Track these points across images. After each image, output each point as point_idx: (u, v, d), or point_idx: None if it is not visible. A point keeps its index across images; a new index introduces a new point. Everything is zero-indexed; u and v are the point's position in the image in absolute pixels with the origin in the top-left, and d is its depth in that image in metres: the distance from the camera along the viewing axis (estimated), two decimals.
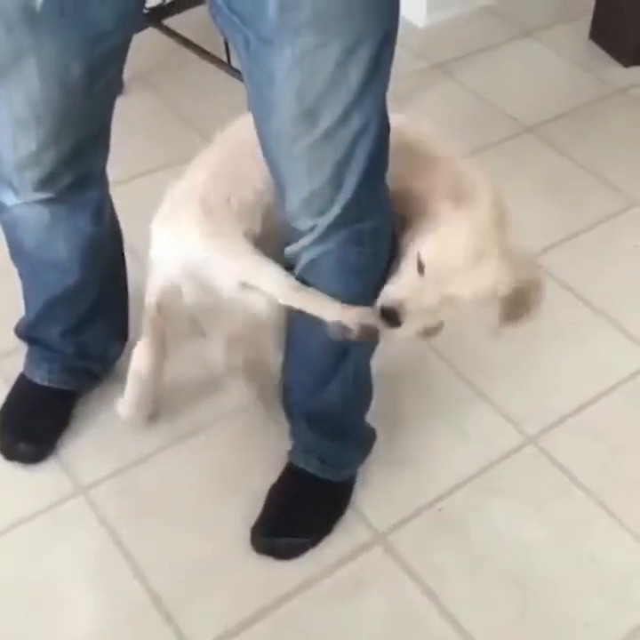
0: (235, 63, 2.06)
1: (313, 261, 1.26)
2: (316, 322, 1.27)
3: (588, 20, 2.65)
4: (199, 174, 1.35)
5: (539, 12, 2.77)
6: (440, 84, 2.50)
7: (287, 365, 1.47)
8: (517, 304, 1.32)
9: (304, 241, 1.25)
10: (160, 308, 1.45)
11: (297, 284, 1.27)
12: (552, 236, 2.05)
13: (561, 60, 2.61)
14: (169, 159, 2.17)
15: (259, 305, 1.32)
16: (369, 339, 1.31)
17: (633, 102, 2.47)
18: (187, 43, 2.21)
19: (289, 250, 1.27)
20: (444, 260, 1.26)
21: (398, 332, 1.28)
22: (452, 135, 2.25)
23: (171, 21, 2.25)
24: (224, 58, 2.10)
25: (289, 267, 1.29)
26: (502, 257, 1.27)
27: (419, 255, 1.26)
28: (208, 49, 2.18)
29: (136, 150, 2.12)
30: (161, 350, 1.52)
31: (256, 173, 1.29)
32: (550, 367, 1.78)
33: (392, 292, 1.28)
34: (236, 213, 1.30)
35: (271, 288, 1.28)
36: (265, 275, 1.28)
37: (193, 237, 1.30)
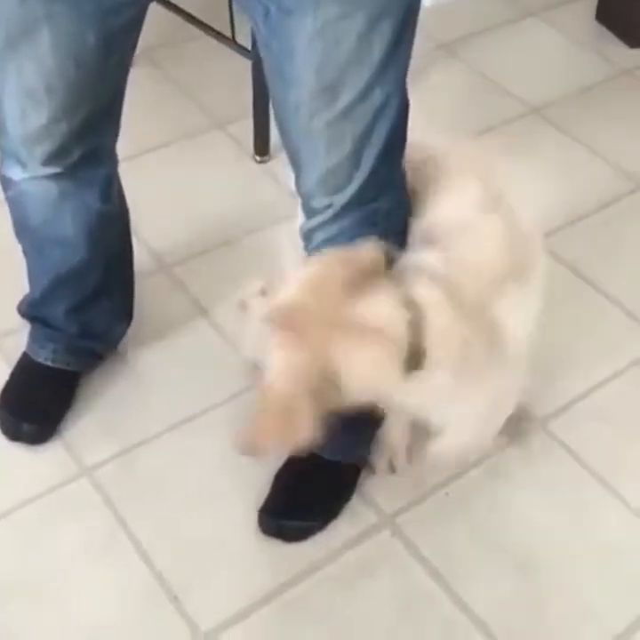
0: (240, 39, 2.03)
1: (326, 240, 1.24)
2: None
3: (593, 0, 2.62)
4: None
5: None
6: (446, 63, 2.47)
7: None
8: None
9: (319, 219, 1.23)
10: None
11: None
12: (559, 218, 2.03)
13: (567, 40, 2.58)
14: (171, 136, 2.16)
15: None
16: None
17: (639, 83, 2.45)
18: (191, 18, 2.18)
19: (304, 226, 1.25)
20: None
21: None
22: (458, 115, 2.25)
23: None
24: (228, 34, 2.06)
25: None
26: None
27: None
28: (212, 25, 2.15)
29: (139, 126, 2.08)
30: None
31: None
32: (559, 351, 1.76)
33: None
34: None
35: None
36: None
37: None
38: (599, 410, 1.67)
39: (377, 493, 1.53)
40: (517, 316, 1.23)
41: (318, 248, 1.25)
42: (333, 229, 1.23)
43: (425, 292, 1.12)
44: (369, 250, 1.13)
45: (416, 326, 1.08)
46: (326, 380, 1.05)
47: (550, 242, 1.97)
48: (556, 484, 1.56)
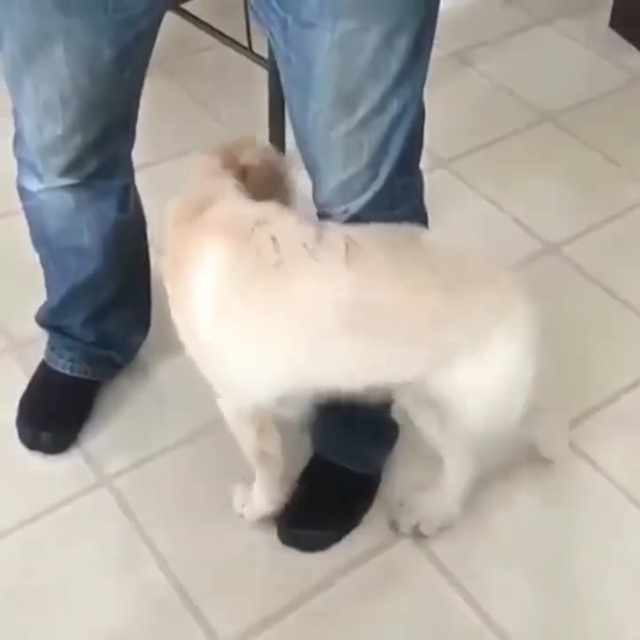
0: (256, 48, 2.03)
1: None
2: None
3: (608, 8, 2.62)
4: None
5: (557, 0, 2.74)
6: (458, 72, 2.48)
7: None
8: None
9: (337, 221, 1.23)
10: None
11: None
12: (575, 226, 2.03)
13: (581, 48, 2.58)
14: (186, 146, 2.15)
15: None
16: None
17: None
18: (207, 27, 2.18)
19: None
20: None
21: None
22: (471, 124, 2.25)
23: (189, 5, 2.22)
24: (245, 43, 2.07)
25: None
26: None
27: None
28: (228, 34, 2.15)
29: (154, 136, 2.09)
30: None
31: None
32: (577, 360, 1.76)
33: None
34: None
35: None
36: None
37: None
38: (619, 418, 1.66)
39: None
40: None
41: None
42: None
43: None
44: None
45: None
46: None
47: (565, 249, 1.97)
48: (575, 492, 1.55)
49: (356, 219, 1.23)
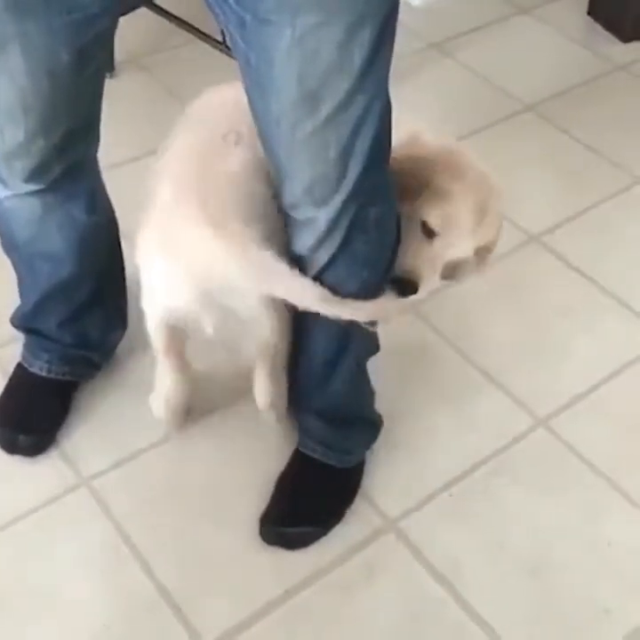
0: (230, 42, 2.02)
1: (328, 262, 1.22)
2: (320, 317, 1.23)
3: None
4: (183, 168, 1.26)
5: None
6: (438, 63, 2.46)
7: (292, 360, 1.43)
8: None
9: (307, 240, 1.21)
10: (170, 340, 1.40)
11: (324, 292, 1.22)
12: (557, 215, 2.02)
13: (560, 37, 2.57)
14: (163, 142, 2.14)
15: (276, 320, 1.30)
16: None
17: (633, 78, 2.44)
18: (180, 22, 2.16)
19: (296, 251, 1.23)
20: (452, 226, 1.33)
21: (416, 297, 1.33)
22: (452, 115, 2.24)
23: (163, 1, 2.20)
24: (219, 37, 2.05)
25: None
26: (495, 214, 1.37)
27: (426, 224, 1.32)
28: (202, 29, 2.13)
29: (130, 133, 2.08)
30: (183, 372, 1.48)
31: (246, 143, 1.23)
32: (560, 348, 1.75)
33: (404, 262, 1.31)
34: (241, 209, 1.21)
35: (304, 301, 1.22)
36: (297, 288, 1.21)
37: (207, 259, 1.20)
38: (601, 407, 1.65)
39: (380, 496, 1.51)
40: None
41: (323, 268, 1.23)
42: (325, 248, 1.21)
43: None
44: None
45: None
46: None
47: (548, 238, 1.97)
48: (560, 483, 1.54)
49: (329, 232, 1.20)
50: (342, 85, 1.08)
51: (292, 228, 1.23)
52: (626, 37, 2.53)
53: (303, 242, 1.23)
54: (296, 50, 1.05)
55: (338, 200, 1.17)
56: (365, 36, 1.05)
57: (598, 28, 2.58)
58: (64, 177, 1.34)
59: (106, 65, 1.28)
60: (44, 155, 1.28)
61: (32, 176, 1.31)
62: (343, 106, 1.10)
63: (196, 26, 2.15)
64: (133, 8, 2.00)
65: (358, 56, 1.06)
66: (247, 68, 1.12)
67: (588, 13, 2.61)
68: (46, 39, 1.14)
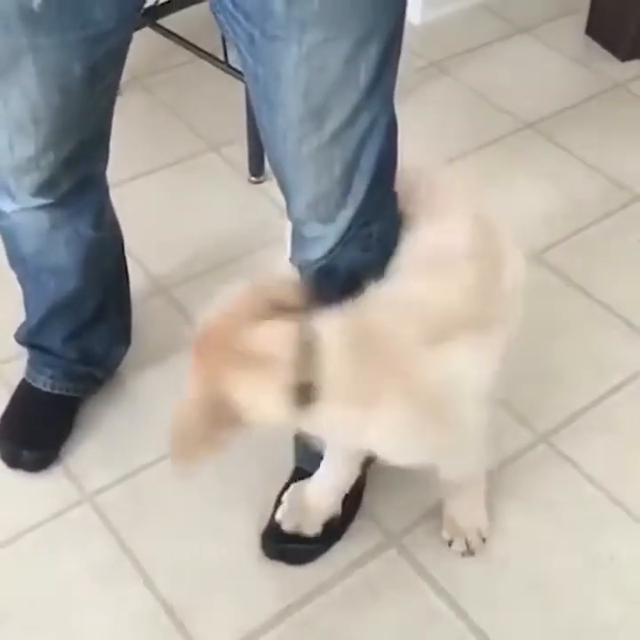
0: (232, 62, 2.04)
1: (321, 270, 1.23)
2: None
3: (584, 15, 2.63)
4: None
5: (534, 9, 2.75)
6: (437, 81, 2.48)
7: None
8: None
9: (314, 254, 1.22)
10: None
11: None
12: (557, 232, 2.03)
13: (558, 55, 2.59)
14: (166, 160, 2.16)
15: None
16: None
17: (631, 97, 2.46)
18: (182, 42, 2.18)
19: (296, 258, 1.24)
20: None
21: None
22: (452, 132, 2.26)
23: (165, 21, 2.22)
24: (221, 56, 2.07)
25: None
26: None
27: None
28: (204, 48, 2.15)
29: (133, 152, 2.09)
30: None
31: None
32: (559, 364, 1.76)
33: None
34: None
35: None
36: None
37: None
38: (601, 422, 1.66)
39: (382, 512, 1.51)
40: (469, 367, 1.19)
41: (314, 278, 1.24)
42: (327, 261, 1.22)
43: (326, 328, 1.10)
44: (286, 284, 1.15)
45: (305, 360, 1.08)
46: (220, 404, 1.08)
47: (546, 255, 1.98)
48: (560, 499, 1.55)
49: (333, 248, 1.21)
50: (349, 101, 1.10)
51: (298, 242, 1.25)
52: (624, 56, 2.55)
53: (309, 257, 1.24)
54: (303, 65, 1.07)
55: (343, 216, 1.18)
56: (372, 52, 1.07)
57: (597, 46, 2.60)
58: (72, 192, 1.35)
59: (117, 82, 1.29)
60: (53, 169, 1.29)
61: (41, 190, 1.32)
62: (349, 122, 1.11)
63: (198, 45, 2.17)
64: (137, 28, 2.02)
65: (365, 71, 1.08)
66: (255, 84, 1.14)
67: (587, 32, 2.63)
68: (59, 54, 1.15)
